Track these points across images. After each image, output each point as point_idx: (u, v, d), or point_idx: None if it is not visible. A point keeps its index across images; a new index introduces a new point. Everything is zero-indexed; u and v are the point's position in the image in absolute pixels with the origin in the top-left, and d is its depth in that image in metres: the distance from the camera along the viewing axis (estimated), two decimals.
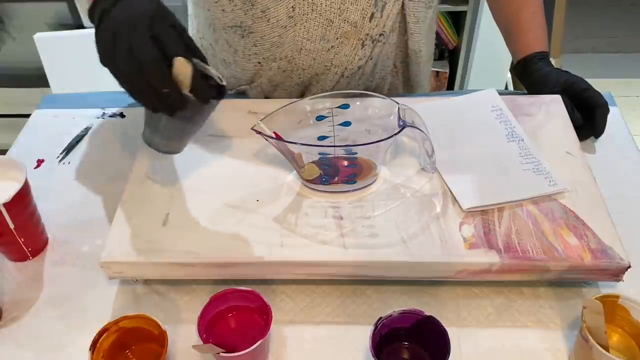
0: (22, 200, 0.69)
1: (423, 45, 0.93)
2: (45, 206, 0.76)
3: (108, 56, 0.59)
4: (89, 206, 0.80)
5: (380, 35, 0.86)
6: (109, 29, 0.59)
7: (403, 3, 0.85)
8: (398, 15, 0.86)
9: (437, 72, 1.98)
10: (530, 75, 0.89)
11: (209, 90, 0.61)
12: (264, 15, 0.82)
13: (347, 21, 0.82)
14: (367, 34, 0.85)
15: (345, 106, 0.74)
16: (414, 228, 0.68)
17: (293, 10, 0.80)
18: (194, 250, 0.66)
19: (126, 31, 0.58)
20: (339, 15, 0.81)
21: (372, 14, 0.82)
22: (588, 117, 0.83)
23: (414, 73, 0.97)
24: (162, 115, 0.63)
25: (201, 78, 0.60)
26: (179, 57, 0.58)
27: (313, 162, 0.71)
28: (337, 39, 0.84)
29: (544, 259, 0.65)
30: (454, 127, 0.81)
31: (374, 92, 0.96)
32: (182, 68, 0.58)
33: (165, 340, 0.58)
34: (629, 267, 0.64)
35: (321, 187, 0.72)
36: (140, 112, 0.93)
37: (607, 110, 0.83)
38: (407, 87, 1.01)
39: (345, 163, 0.72)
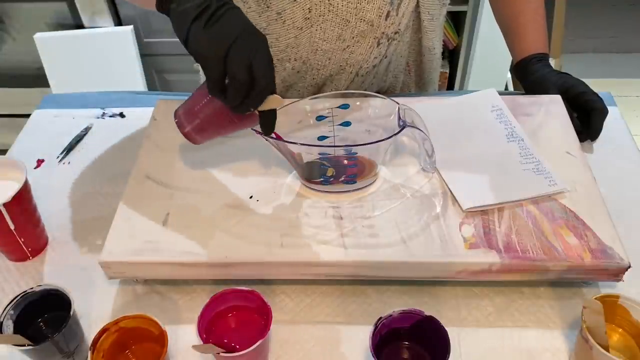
0: (22, 200, 0.69)
1: (437, 42, 0.93)
2: (45, 206, 0.76)
3: (216, 56, 0.57)
4: (89, 206, 0.80)
5: (396, 33, 0.86)
6: (228, 35, 0.57)
7: (418, 1, 0.85)
8: (413, 13, 0.87)
9: None
10: (529, 77, 0.89)
11: (271, 129, 0.65)
12: (280, 17, 0.82)
13: (364, 20, 0.82)
14: (383, 33, 0.85)
15: (345, 106, 0.74)
16: (414, 228, 0.68)
17: (309, 12, 0.80)
18: (194, 250, 0.66)
19: (249, 47, 0.58)
20: (356, 15, 0.81)
21: (388, 12, 0.82)
22: (585, 119, 0.83)
23: (427, 70, 0.98)
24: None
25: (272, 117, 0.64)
26: (276, 95, 0.62)
27: (313, 162, 0.71)
28: (353, 38, 0.84)
29: (544, 259, 0.65)
30: (454, 127, 0.81)
31: (387, 91, 0.97)
32: (274, 103, 0.62)
33: (165, 340, 0.58)
34: (629, 267, 0.64)
35: (321, 187, 0.72)
36: (140, 112, 0.93)
37: (604, 114, 0.82)
38: (420, 85, 1.01)
39: (345, 163, 0.72)
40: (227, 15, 0.58)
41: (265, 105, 0.62)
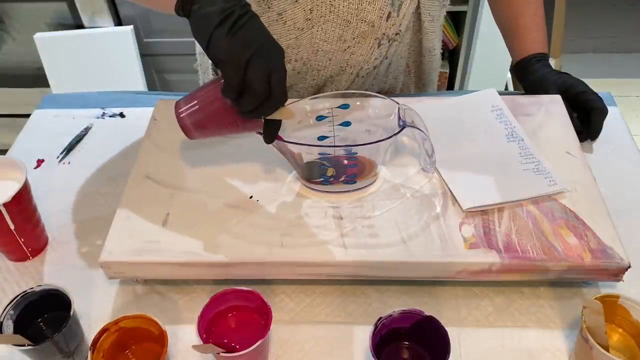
0: (22, 200, 0.69)
1: (437, 43, 0.93)
2: (45, 206, 0.76)
3: (238, 63, 0.58)
4: (89, 206, 0.80)
5: (396, 34, 0.86)
6: (251, 44, 0.58)
7: (419, 2, 0.85)
8: (413, 15, 0.87)
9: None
10: (529, 77, 0.89)
11: (273, 138, 0.65)
12: (280, 18, 0.82)
13: (365, 21, 0.82)
14: (384, 34, 0.85)
15: (345, 106, 0.74)
16: (414, 228, 0.68)
17: (310, 13, 0.80)
18: (194, 250, 0.66)
19: (270, 57, 0.58)
20: (357, 16, 0.81)
21: (389, 14, 0.82)
22: (585, 119, 0.83)
23: (426, 71, 0.98)
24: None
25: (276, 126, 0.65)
26: (288, 108, 0.63)
27: (313, 162, 0.71)
28: (353, 39, 0.84)
29: (544, 259, 0.65)
30: (454, 127, 0.81)
31: (387, 92, 0.97)
32: (284, 115, 0.63)
33: (165, 340, 0.58)
34: (629, 267, 0.64)
35: (321, 187, 0.72)
36: (140, 112, 0.93)
37: (604, 113, 0.82)
38: (419, 85, 1.01)
39: (345, 163, 0.72)
40: (250, 23, 0.58)
41: (275, 115, 0.62)
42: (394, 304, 0.68)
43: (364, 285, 0.70)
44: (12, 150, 0.90)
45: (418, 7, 0.86)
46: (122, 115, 0.94)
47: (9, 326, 0.60)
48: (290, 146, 0.68)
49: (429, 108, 0.80)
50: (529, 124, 0.81)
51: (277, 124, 0.64)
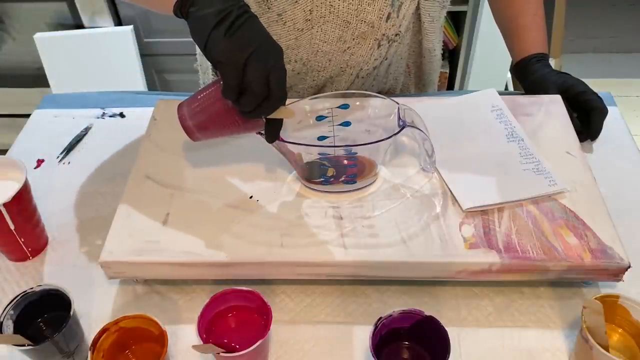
0: (22, 200, 0.69)
1: (437, 44, 0.93)
2: (45, 206, 0.76)
3: (236, 64, 0.57)
4: (89, 206, 0.80)
5: (396, 35, 0.86)
6: (249, 44, 0.58)
7: (419, 3, 0.85)
8: (413, 15, 0.87)
9: None
10: (529, 77, 0.89)
11: (275, 137, 0.65)
12: (280, 19, 0.82)
13: (364, 22, 0.82)
14: (384, 34, 0.85)
15: (345, 106, 0.74)
16: (414, 228, 0.68)
17: (310, 13, 0.80)
18: (194, 250, 0.66)
19: (268, 56, 0.58)
20: (356, 16, 0.81)
21: (389, 14, 0.82)
22: (585, 119, 0.83)
23: (427, 72, 0.98)
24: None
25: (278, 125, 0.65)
26: (289, 107, 0.64)
27: (313, 162, 0.71)
28: (353, 39, 0.84)
29: (544, 259, 0.65)
30: (454, 127, 0.81)
31: (387, 92, 0.97)
32: (284, 114, 0.63)
33: (165, 340, 0.58)
34: (629, 267, 0.64)
35: (321, 187, 0.72)
36: (140, 112, 0.93)
37: (604, 113, 0.82)
38: (419, 86, 1.01)
39: (345, 163, 0.72)
40: (248, 23, 0.58)
41: (275, 115, 0.62)
42: (394, 304, 0.68)
43: (364, 285, 0.70)
44: (12, 150, 0.90)
45: (418, 7, 0.86)
46: (122, 115, 0.94)
47: (9, 326, 0.60)
48: (290, 146, 0.68)
49: (429, 108, 0.80)
50: (529, 124, 0.81)
51: (279, 123, 0.64)
